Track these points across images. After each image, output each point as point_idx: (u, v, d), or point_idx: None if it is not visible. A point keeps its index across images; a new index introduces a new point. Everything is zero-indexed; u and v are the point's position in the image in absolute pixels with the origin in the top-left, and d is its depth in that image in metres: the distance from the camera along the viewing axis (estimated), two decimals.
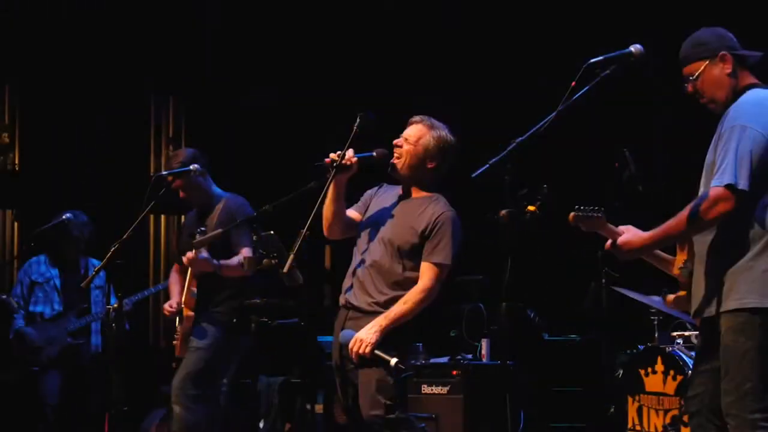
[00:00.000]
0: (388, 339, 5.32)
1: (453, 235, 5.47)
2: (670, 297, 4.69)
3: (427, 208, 5.52)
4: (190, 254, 6.34)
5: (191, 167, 6.44)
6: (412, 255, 5.47)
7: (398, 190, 5.69)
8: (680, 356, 6.72)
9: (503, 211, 4.49)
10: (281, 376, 8.16)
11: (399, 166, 5.55)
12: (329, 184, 5.45)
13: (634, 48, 4.65)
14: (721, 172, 4.30)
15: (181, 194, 6.65)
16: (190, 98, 10.56)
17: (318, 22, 9.86)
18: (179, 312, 6.55)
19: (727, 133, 4.37)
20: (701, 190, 4.51)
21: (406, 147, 5.55)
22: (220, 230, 6.07)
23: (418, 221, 5.48)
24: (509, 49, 9.46)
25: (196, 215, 6.74)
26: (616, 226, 4.65)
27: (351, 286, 5.57)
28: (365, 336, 5.32)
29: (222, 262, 6.38)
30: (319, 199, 5.50)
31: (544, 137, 4.50)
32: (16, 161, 10.01)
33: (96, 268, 6.36)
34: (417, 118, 5.63)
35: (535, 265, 7.78)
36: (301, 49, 9.91)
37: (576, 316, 7.96)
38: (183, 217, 10.28)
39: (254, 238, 5.62)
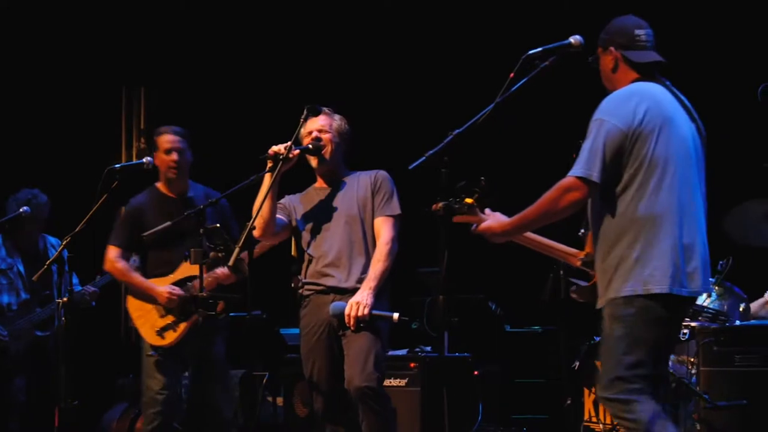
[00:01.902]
0: (377, 300, 5.64)
1: (394, 189, 5.91)
2: (572, 288, 4.80)
3: (360, 178, 5.94)
4: (222, 272, 6.25)
5: (144, 160, 6.41)
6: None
7: (317, 186, 5.99)
8: None
9: (439, 204, 4.50)
10: (242, 368, 8.11)
11: (327, 156, 5.88)
12: (275, 177, 5.56)
13: (574, 39, 4.67)
14: (576, 163, 4.40)
15: (173, 173, 6.50)
16: (161, 89, 10.52)
17: (284, 16, 9.83)
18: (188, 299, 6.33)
19: (590, 125, 4.46)
20: None
21: (326, 136, 5.87)
22: (168, 223, 6.06)
23: (362, 190, 5.88)
24: (447, 42, 9.44)
25: (173, 201, 6.51)
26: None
27: (327, 274, 5.78)
28: (361, 298, 5.59)
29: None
30: (266, 191, 5.56)
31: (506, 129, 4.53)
32: None
33: (47, 262, 6.24)
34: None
35: (494, 257, 7.76)
36: (272, 42, 9.90)
37: (538, 308, 7.95)
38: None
39: (201, 231, 5.59)
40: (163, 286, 6.39)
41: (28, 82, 9.76)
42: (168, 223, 6.06)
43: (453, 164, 4.49)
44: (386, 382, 7.18)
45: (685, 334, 5.91)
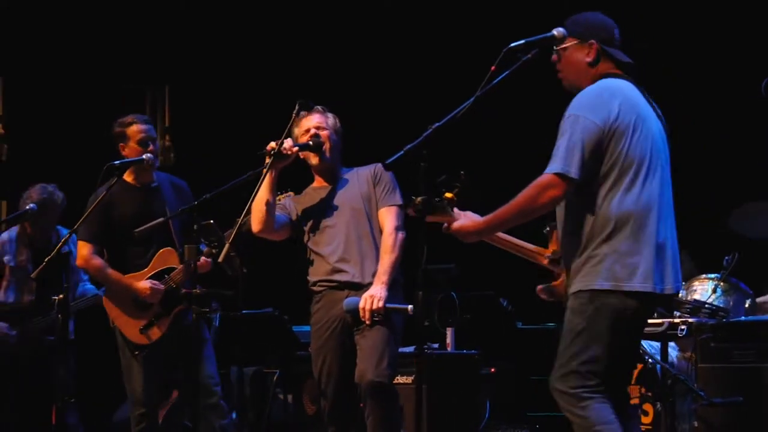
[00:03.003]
0: (391, 292, 5.63)
1: (395, 180, 5.87)
2: (539, 287, 4.74)
3: (359, 173, 5.93)
4: (205, 261, 6.02)
5: (144, 157, 6.30)
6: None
7: (315, 186, 5.97)
8: (641, 345, 6.62)
9: (418, 199, 4.46)
10: (254, 366, 8.12)
11: (328, 152, 5.86)
12: (267, 173, 5.55)
13: (557, 31, 4.61)
14: (553, 160, 4.35)
15: (150, 165, 6.32)
16: (185, 88, 10.55)
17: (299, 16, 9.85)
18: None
19: (564, 122, 4.41)
20: None
21: (323, 133, 5.85)
22: (161, 219, 5.98)
23: (363, 184, 5.87)
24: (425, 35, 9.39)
25: (139, 191, 6.41)
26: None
27: (340, 270, 5.77)
28: (375, 292, 5.58)
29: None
30: (263, 186, 5.57)
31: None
32: (4, 152, 10.00)
33: (46, 259, 6.01)
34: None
35: (504, 253, 7.73)
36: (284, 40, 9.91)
37: (551, 304, 7.89)
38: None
39: (194, 227, 5.57)
40: (143, 281, 6.21)
41: (56, 81, 9.81)
42: (161, 219, 5.97)
43: (432, 158, 4.44)
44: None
45: (682, 330, 5.85)
